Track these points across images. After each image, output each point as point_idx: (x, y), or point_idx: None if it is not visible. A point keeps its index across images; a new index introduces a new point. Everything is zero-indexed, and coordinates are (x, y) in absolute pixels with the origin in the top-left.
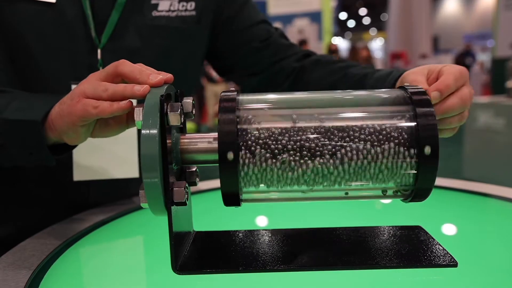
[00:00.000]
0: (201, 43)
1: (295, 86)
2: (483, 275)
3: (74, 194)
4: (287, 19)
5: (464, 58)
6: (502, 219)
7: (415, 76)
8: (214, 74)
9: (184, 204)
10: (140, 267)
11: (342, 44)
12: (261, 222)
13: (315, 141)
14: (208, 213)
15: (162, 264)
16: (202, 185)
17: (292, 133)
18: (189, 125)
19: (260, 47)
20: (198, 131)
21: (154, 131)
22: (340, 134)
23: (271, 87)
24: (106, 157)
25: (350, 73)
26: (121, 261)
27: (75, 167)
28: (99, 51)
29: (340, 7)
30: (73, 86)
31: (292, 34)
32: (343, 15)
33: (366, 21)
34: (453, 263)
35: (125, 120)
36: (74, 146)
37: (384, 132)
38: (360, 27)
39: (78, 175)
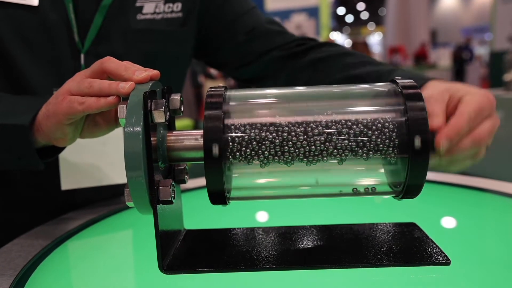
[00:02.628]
0: (186, 45)
1: (295, 81)
2: (477, 273)
3: (61, 199)
4: (285, 14)
5: (461, 52)
6: (499, 215)
7: (432, 106)
8: (212, 71)
9: (170, 202)
10: (130, 267)
11: (340, 39)
12: (255, 219)
13: (303, 136)
14: (202, 210)
15: (152, 264)
16: (199, 181)
17: (280, 128)
18: (187, 121)
19: (245, 40)
20: (196, 127)
21: (138, 129)
22: (329, 129)
23: (266, 79)
24: (94, 164)
25: (363, 74)
26: (110, 261)
27: (63, 176)
28: (82, 55)
29: (338, 2)
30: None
31: (290, 29)
32: (341, 10)
33: (364, 16)
34: (445, 261)
35: (114, 118)
36: (63, 148)
37: (373, 127)
38: (358, 22)
39: (66, 184)
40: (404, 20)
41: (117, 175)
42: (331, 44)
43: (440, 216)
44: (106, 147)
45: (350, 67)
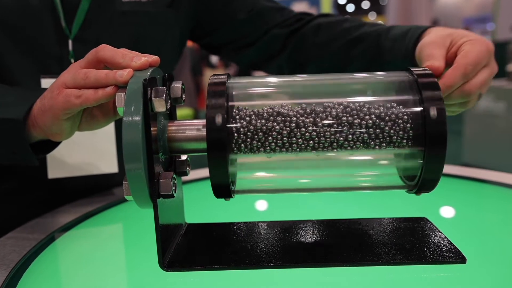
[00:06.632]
0: (174, 27)
1: (297, 56)
2: (493, 271)
3: (49, 189)
4: (286, 3)
5: None
6: (509, 207)
7: (433, 50)
8: (214, 59)
9: (171, 196)
10: (128, 263)
11: None
12: (259, 213)
13: (312, 126)
14: (203, 202)
15: (151, 260)
16: (202, 172)
17: (287, 119)
18: (187, 110)
19: (245, 19)
20: (196, 117)
21: (137, 118)
22: (339, 120)
23: (269, 59)
24: (83, 152)
25: (363, 35)
26: (108, 256)
27: (50, 164)
28: (70, 41)
29: None
30: (43, 81)
31: None
32: None
33: (365, 5)
34: (461, 259)
35: (112, 109)
36: (59, 143)
37: (387, 118)
38: (360, 11)
39: (53, 173)
40: (405, 10)
41: (105, 164)
42: (325, 14)
43: (446, 209)
44: (95, 136)
45: (349, 30)
